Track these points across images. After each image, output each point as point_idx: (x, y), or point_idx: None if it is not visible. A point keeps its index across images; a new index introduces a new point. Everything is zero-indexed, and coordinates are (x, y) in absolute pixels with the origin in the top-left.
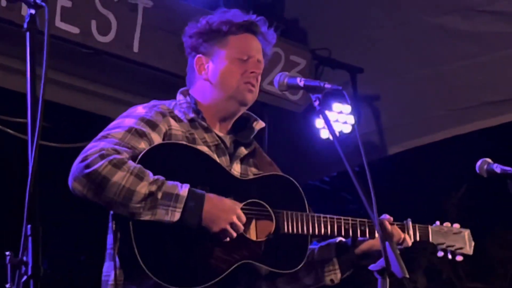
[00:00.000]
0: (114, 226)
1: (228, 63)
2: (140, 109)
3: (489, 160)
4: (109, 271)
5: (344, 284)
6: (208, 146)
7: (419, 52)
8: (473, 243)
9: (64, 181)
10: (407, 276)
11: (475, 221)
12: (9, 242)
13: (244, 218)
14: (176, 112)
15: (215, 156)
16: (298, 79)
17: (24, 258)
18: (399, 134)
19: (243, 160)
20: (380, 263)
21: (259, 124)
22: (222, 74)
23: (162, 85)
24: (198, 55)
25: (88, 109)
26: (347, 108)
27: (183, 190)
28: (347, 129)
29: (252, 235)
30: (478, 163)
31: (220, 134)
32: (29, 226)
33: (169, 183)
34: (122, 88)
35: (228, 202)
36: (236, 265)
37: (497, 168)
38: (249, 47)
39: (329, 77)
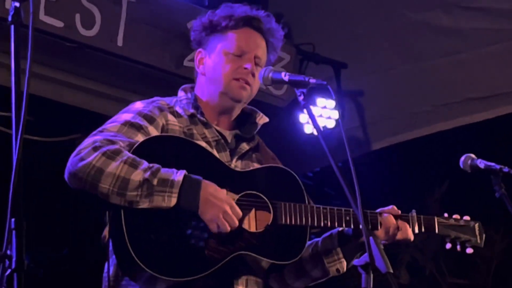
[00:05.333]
0: (107, 220)
1: (222, 58)
2: (138, 105)
3: (472, 155)
4: (106, 268)
5: (328, 279)
6: (208, 142)
7: (403, 48)
8: (484, 235)
9: (47, 175)
10: (391, 271)
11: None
12: None
13: (238, 211)
14: (177, 108)
15: (214, 152)
16: (282, 74)
17: (8, 252)
18: (383, 129)
19: (244, 156)
20: (364, 258)
21: (263, 119)
22: (215, 68)
23: (146, 79)
24: (199, 49)
25: (72, 103)
26: (331, 103)
27: (179, 175)
28: (331, 124)
29: (250, 226)
30: (462, 158)
31: (221, 130)
32: (13, 220)
33: (164, 169)
34: (106, 82)
35: (223, 191)
36: (231, 255)
37: (481, 163)
38: (246, 42)
39: (313, 72)
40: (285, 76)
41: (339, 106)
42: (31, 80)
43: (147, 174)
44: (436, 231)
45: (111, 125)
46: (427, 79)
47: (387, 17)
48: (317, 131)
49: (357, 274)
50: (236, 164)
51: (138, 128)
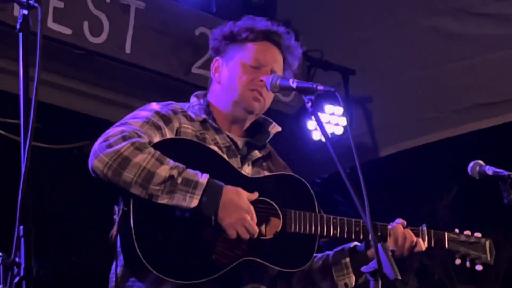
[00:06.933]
0: (117, 219)
1: (239, 68)
2: (154, 105)
3: (481, 162)
4: (114, 268)
5: None
6: (219, 148)
7: (411, 54)
8: (494, 252)
9: (56, 182)
10: (400, 278)
11: (467, 222)
12: (1, 243)
13: (255, 220)
14: (189, 112)
15: (225, 157)
16: (290, 81)
17: (17, 259)
18: (391, 135)
19: (255, 163)
20: (373, 264)
21: (275, 128)
22: (231, 77)
23: (154, 86)
24: (216, 57)
25: (80, 110)
26: (339, 109)
27: (203, 178)
28: (339, 130)
29: (259, 232)
30: (470, 165)
31: (232, 136)
32: (21, 227)
33: (190, 170)
34: (114, 89)
35: (244, 199)
36: (238, 261)
37: (489, 170)
38: (264, 56)
39: (321, 78)
40: (293, 83)
41: (347, 113)
42: (40, 87)
43: (174, 171)
44: (446, 246)
45: (134, 121)
46: (435, 85)
47: (395, 23)
48: (325, 138)
49: (365, 281)
50: (247, 170)
51: (157, 128)
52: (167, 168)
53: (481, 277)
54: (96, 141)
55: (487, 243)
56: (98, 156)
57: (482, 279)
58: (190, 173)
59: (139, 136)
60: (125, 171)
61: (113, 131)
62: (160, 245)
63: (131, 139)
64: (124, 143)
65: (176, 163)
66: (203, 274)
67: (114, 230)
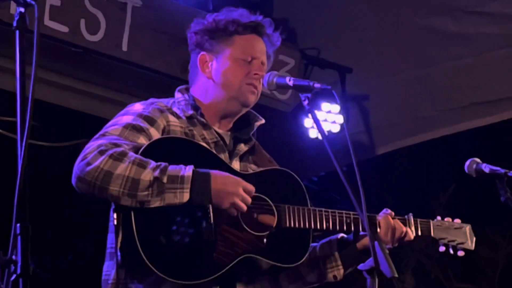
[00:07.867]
0: (115, 222)
1: (232, 63)
2: (137, 106)
3: (478, 160)
4: (109, 270)
5: (332, 284)
6: (207, 143)
7: (408, 53)
8: (474, 238)
9: (53, 180)
10: (396, 275)
11: (464, 221)
12: None
13: (250, 188)
14: (175, 109)
15: (214, 152)
16: (287, 79)
17: (13, 257)
18: (388, 134)
19: (242, 157)
20: (369, 262)
21: (259, 120)
22: (225, 74)
23: (151, 84)
24: (202, 52)
25: (77, 108)
26: (336, 107)
27: (188, 171)
28: (336, 128)
29: (255, 229)
30: (467, 163)
31: (220, 131)
32: (18, 225)
33: (172, 166)
34: (111, 87)
35: (232, 176)
36: (238, 259)
37: (486, 168)
38: (254, 49)
39: (318, 76)
40: (289, 81)
41: (344, 111)
42: (36, 85)
43: (156, 173)
44: (432, 234)
45: (113, 128)
46: (432, 83)
47: (393, 22)
48: (322, 136)
49: (362, 278)
50: (235, 166)
51: (140, 130)
52: (150, 171)
53: (478, 275)
54: (76, 160)
55: (467, 229)
56: (80, 177)
57: (479, 278)
58: (174, 169)
59: (117, 146)
60: (110, 185)
61: (90, 147)
62: (162, 245)
63: (108, 151)
64: (102, 158)
65: (158, 163)
66: (205, 274)
67: (115, 235)
